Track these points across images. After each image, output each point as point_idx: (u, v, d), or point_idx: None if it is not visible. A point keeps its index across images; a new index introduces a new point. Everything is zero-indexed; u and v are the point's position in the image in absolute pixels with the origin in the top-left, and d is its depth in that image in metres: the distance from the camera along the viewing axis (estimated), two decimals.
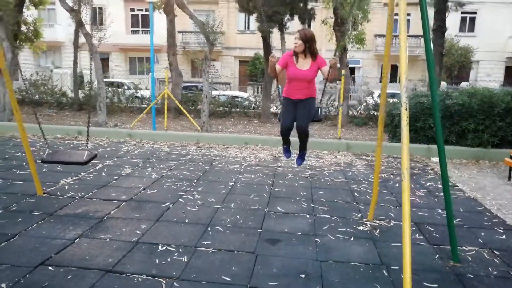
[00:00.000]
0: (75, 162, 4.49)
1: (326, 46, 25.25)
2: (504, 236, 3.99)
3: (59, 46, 28.51)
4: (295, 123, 4.27)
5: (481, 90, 8.29)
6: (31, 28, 13.48)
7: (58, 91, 14.45)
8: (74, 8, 10.74)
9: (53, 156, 4.65)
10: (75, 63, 14.46)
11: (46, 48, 17.72)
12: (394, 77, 23.87)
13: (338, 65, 3.89)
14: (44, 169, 5.94)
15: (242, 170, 6.44)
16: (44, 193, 4.84)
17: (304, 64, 4.18)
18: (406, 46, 2.93)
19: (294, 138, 4.40)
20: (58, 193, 4.89)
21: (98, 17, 25.77)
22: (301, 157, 4.65)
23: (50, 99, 14.20)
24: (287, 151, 4.66)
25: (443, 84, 15.19)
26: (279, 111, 4.55)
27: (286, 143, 4.59)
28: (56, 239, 3.58)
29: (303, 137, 4.34)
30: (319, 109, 4.38)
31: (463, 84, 17.90)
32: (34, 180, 4.77)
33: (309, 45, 4.13)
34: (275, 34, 13.59)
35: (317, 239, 3.77)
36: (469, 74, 25.89)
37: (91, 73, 4.93)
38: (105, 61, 27.24)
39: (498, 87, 12.03)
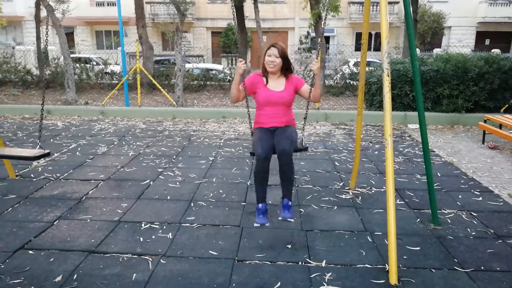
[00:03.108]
0: (23, 157, 3.99)
1: (300, 14, 24.96)
2: (480, 198, 4.12)
3: (20, 21, 27.07)
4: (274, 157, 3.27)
5: (455, 55, 8.41)
6: None
7: (22, 69, 13.75)
8: None
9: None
10: (38, 38, 13.70)
11: (5, 24, 16.73)
12: (368, 45, 24.01)
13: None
14: None
15: (221, 144, 6.36)
16: (16, 175, 4.64)
17: (278, 84, 3.46)
18: (386, 10, 2.88)
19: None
20: (32, 175, 4.70)
21: None
22: (288, 208, 3.22)
23: (14, 78, 13.51)
24: (263, 214, 3.22)
25: (417, 51, 15.35)
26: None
27: (263, 198, 3.27)
28: (34, 222, 3.45)
29: (287, 170, 3.20)
30: (302, 138, 3.70)
31: (437, 51, 18.12)
32: (4, 163, 4.56)
33: (286, 62, 3.44)
34: (247, 3, 13.24)
35: (301, 209, 3.79)
36: (442, 40, 26.25)
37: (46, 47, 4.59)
38: (70, 35, 26.09)
39: (470, 52, 12.23)
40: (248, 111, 3.81)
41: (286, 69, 3.47)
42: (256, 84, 3.50)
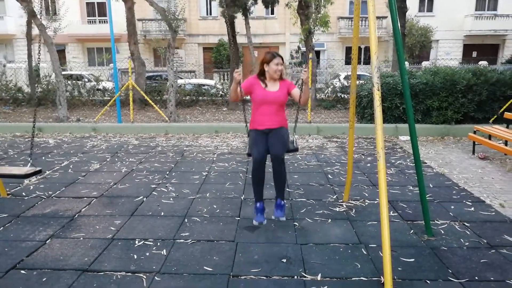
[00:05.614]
0: (14, 175, 4.02)
1: (290, 30, 25.29)
2: (472, 208, 4.16)
3: (11, 39, 27.03)
4: (268, 157, 3.67)
5: (443, 68, 8.56)
6: None
7: (13, 86, 13.70)
8: None
9: None
10: (29, 56, 13.72)
11: None
12: (358, 59, 24.29)
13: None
14: None
15: (214, 159, 6.36)
16: (8, 194, 4.59)
17: (273, 86, 3.79)
18: (375, 27, 2.94)
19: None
20: (23, 193, 4.65)
21: (51, 7, 24.52)
22: (281, 207, 3.80)
23: (5, 96, 13.45)
24: (260, 212, 3.74)
25: (406, 64, 15.60)
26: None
27: (260, 197, 3.76)
28: (26, 241, 3.40)
29: (279, 172, 3.63)
30: (294, 139, 3.94)
31: (425, 63, 18.39)
32: None
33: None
34: (238, 19, 13.38)
35: (295, 223, 3.79)
36: (430, 53, 26.69)
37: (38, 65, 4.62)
38: (61, 52, 26.10)
39: (458, 64, 12.46)
40: (245, 115, 4.14)
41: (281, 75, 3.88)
42: (252, 85, 3.82)
